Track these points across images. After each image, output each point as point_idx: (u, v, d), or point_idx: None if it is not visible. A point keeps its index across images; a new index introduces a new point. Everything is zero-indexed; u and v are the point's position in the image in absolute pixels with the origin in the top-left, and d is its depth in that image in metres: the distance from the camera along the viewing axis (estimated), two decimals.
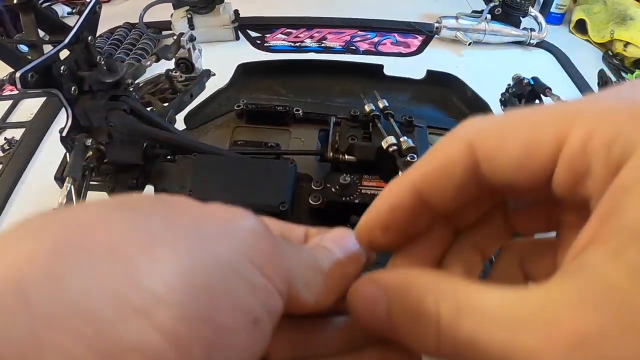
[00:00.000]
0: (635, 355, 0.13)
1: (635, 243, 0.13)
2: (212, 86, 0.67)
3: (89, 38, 0.50)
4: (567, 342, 0.13)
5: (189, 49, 0.63)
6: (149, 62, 0.57)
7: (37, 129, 0.79)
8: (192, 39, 0.64)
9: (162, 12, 0.96)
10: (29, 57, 0.50)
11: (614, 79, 0.56)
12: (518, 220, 0.22)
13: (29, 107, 0.84)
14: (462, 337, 0.16)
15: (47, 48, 0.52)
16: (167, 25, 0.97)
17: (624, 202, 0.14)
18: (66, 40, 0.48)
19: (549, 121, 0.17)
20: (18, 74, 0.42)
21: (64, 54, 0.48)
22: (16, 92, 0.87)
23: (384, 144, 0.43)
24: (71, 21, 0.55)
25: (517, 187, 0.18)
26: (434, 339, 0.16)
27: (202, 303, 0.14)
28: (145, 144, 0.49)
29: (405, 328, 0.18)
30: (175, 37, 0.65)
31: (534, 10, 1.01)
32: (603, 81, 0.57)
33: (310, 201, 0.43)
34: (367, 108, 0.48)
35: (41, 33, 0.53)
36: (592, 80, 0.81)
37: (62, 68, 0.45)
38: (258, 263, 0.16)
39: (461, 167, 0.18)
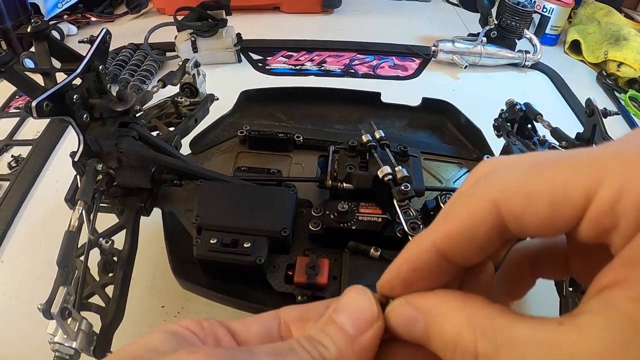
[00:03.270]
0: None
1: None
2: (215, 109, 0.70)
3: (100, 67, 0.52)
4: None
5: (193, 75, 0.66)
6: (155, 88, 0.59)
7: (43, 147, 0.81)
8: (196, 65, 0.66)
9: (166, 34, 0.98)
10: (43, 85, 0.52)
11: (601, 107, 0.58)
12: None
13: (36, 126, 0.86)
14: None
15: (60, 76, 0.54)
16: (170, 46, 1.00)
17: None
18: (79, 70, 0.50)
19: (575, 178, 0.16)
20: (34, 103, 0.43)
21: (75, 82, 0.50)
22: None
23: (380, 173, 0.46)
24: (75, 40, 0.57)
25: (543, 236, 0.18)
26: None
27: None
28: (153, 169, 0.51)
29: (442, 352, 0.19)
30: (180, 62, 0.67)
31: (529, 33, 1.04)
32: (590, 110, 0.59)
33: (310, 227, 0.46)
34: (364, 138, 0.50)
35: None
36: None
37: (74, 96, 0.47)
38: None
39: (485, 228, 0.18)
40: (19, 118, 0.88)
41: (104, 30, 0.53)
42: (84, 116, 0.49)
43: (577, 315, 0.16)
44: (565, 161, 0.17)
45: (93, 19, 1.17)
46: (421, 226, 0.42)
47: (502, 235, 0.18)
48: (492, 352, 0.17)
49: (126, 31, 1.03)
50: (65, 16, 1.14)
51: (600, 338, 0.15)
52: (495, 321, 0.17)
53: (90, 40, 0.54)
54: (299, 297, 0.42)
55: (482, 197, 0.18)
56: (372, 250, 0.41)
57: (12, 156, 0.80)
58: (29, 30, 0.53)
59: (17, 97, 0.94)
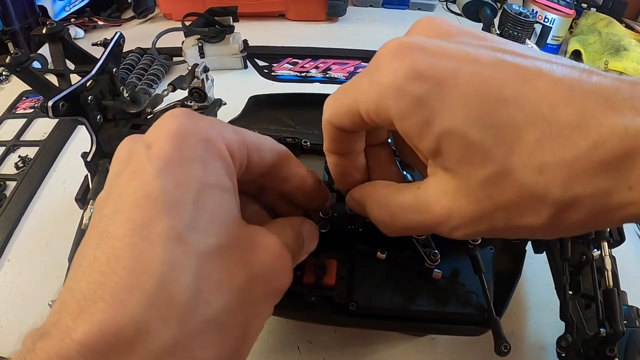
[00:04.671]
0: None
1: (434, 158, 0.25)
2: (222, 114, 0.71)
3: (114, 70, 0.53)
4: (439, 209, 0.25)
5: (202, 80, 0.67)
6: (166, 92, 0.61)
7: (51, 148, 0.82)
8: (205, 70, 0.68)
9: (173, 39, 1.00)
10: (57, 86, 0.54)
11: None
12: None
13: (43, 127, 0.87)
14: (396, 224, 0.29)
15: (73, 77, 0.55)
16: (177, 51, 1.01)
17: (417, 144, 0.25)
18: (93, 71, 0.51)
19: (353, 101, 0.26)
20: (50, 103, 0.45)
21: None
22: (30, 110, 0.90)
23: None
24: (82, 44, 0.59)
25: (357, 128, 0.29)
26: (382, 225, 0.30)
27: None
28: None
29: (372, 218, 0.31)
30: (189, 67, 0.68)
31: (530, 42, 1.05)
32: None
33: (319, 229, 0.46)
34: None
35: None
36: None
37: (89, 98, 0.49)
38: None
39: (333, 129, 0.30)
40: (26, 119, 0.88)
41: (118, 34, 0.55)
42: (98, 117, 0.50)
43: (425, 181, 0.27)
44: (349, 89, 0.28)
45: (100, 22, 1.18)
46: None
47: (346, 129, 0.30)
48: (389, 218, 0.29)
49: (133, 35, 1.03)
50: (72, 19, 1.15)
51: (434, 192, 0.26)
52: (389, 197, 0.29)
53: (104, 43, 0.55)
54: (306, 297, 0.43)
55: (324, 118, 0.30)
56: (378, 252, 0.42)
57: (19, 156, 0.80)
58: (44, 31, 0.54)
59: (24, 98, 0.95)
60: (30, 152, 0.82)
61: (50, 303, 0.45)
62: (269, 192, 0.35)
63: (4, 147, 0.82)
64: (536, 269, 0.57)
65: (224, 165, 0.25)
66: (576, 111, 0.21)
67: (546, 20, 1.14)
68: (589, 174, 0.20)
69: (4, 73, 1.00)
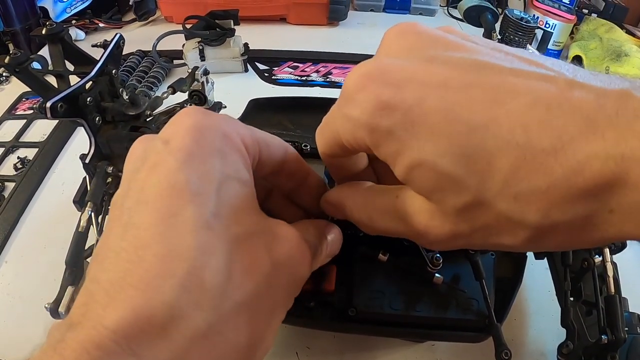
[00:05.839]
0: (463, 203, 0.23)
1: (409, 185, 0.25)
2: None
3: (113, 71, 0.53)
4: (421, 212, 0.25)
5: (202, 82, 0.67)
6: (165, 95, 0.60)
7: (50, 150, 0.81)
8: (206, 72, 0.67)
9: (174, 42, 0.99)
10: (56, 87, 0.53)
11: None
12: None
13: (43, 128, 0.87)
14: (376, 227, 0.28)
15: (73, 78, 0.55)
16: (178, 54, 1.01)
17: (393, 171, 0.24)
18: (92, 73, 0.51)
19: (335, 133, 0.26)
20: (48, 104, 0.44)
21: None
22: (30, 112, 0.90)
23: None
24: (83, 45, 0.58)
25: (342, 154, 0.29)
26: (362, 226, 0.29)
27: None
28: None
29: (352, 219, 0.30)
30: (189, 70, 0.68)
31: (531, 48, 1.05)
32: None
33: None
34: None
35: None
36: None
37: (88, 99, 0.48)
38: None
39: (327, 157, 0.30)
40: (25, 120, 0.88)
41: (118, 35, 0.54)
42: (97, 119, 0.50)
43: (402, 192, 0.26)
44: (327, 121, 0.28)
45: (101, 24, 1.18)
46: None
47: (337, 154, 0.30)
48: (368, 220, 0.29)
49: (134, 38, 1.03)
50: (73, 21, 1.15)
51: (411, 198, 0.25)
52: (369, 199, 0.29)
53: (104, 45, 0.55)
54: (305, 303, 0.42)
55: (319, 152, 0.30)
56: (380, 255, 0.42)
57: (18, 157, 0.80)
58: (44, 32, 0.54)
59: (24, 99, 0.94)
60: (30, 153, 0.82)
61: (46, 306, 0.45)
62: (275, 195, 0.35)
63: (3, 148, 0.82)
64: (537, 275, 0.57)
65: (241, 159, 0.26)
66: (552, 135, 0.19)
67: (547, 25, 1.14)
68: (567, 200, 0.20)
69: (4, 74, 1.00)
